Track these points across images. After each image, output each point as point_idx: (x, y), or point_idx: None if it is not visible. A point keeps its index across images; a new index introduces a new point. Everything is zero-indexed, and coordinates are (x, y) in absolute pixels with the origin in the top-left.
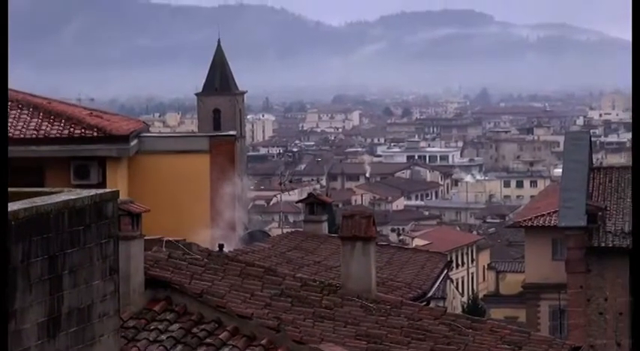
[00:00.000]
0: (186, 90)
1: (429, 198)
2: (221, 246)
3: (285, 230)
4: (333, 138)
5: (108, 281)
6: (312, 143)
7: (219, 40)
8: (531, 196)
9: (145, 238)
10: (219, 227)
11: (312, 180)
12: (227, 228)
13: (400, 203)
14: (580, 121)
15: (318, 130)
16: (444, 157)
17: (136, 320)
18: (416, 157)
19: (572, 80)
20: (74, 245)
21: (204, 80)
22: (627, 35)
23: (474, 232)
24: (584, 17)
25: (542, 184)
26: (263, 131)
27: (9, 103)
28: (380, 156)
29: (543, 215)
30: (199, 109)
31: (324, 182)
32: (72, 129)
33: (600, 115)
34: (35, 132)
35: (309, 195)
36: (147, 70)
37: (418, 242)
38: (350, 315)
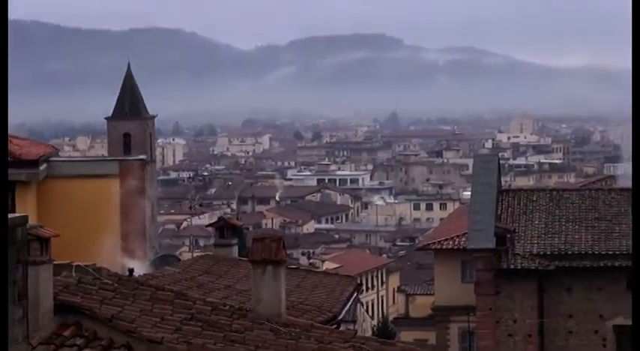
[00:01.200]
0: (96, 114)
1: (339, 221)
2: (131, 270)
3: (195, 254)
4: (243, 162)
5: (17, 307)
6: (223, 167)
7: (129, 63)
8: (441, 219)
9: (55, 262)
10: (128, 251)
11: (223, 204)
12: (137, 251)
13: (310, 226)
14: (489, 144)
15: (229, 153)
16: (354, 180)
17: (46, 346)
18: (326, 181)
19: (480, 103)
20: None
21: (114, 104)
22: (535, 59)
23: (384, 255)
24: (492, 41)
25: (451, 207)
26: (173, 155)
27: None
28: (290, 179)
29: (453, 238)
30: (109, 133)
31: (234, 206)
32: None
33: (509, 138)
34: None
35: (220, 219)
36: (57, 94)
37: (328, 265)
38: (260, 338)
